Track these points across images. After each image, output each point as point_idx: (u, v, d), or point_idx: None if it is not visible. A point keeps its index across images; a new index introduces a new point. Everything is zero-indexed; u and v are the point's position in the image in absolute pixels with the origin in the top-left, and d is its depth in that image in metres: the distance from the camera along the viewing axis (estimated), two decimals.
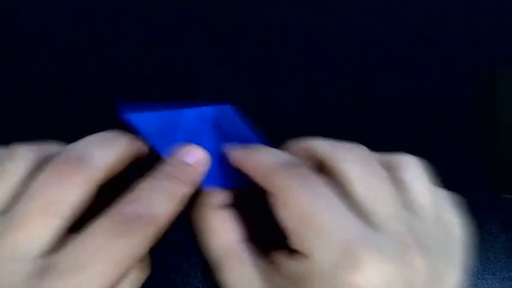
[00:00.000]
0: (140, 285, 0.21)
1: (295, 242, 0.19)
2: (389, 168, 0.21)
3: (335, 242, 0.17)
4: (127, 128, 0.27)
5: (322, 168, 0.21)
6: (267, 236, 0.22)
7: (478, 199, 0.29)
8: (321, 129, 0.30)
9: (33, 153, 0.20)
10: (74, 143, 0.20)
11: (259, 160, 0.21)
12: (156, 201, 0.19)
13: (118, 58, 0.31)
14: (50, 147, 0.21)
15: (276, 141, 0.30)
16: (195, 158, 0.22)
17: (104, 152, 0.20)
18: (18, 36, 0.31)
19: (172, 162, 0.21)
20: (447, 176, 0.30)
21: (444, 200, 0.23)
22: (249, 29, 0.31)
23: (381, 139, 0.30)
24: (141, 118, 0.24)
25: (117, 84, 0.31)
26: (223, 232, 0.22)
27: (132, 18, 0.31)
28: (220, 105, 0.25)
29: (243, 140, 0.24)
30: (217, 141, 0.24)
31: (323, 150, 0.21)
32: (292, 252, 0.19)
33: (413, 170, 0.21)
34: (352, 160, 0.20)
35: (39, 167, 0.19)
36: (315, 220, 0.18)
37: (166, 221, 0.19)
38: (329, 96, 0.30)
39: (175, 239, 0.28)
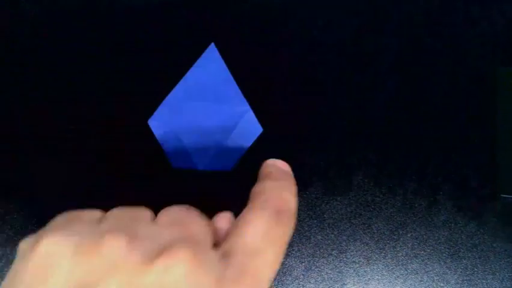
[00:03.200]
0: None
1: None
2: None
3: None
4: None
5: None
6: None
7: (478, 199, 0.29)
8: (321, 129, 0.30)
9: None
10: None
11: None
12: (287, 197, 0.21)
13: (116, 57, 0.31)
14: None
15: (276, 140, 0.30)
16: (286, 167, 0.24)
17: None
18: (19, 34, 0.31)
19: (278, 167, 0.23)
20: (447, 176, 0.30)
21: None
22: (248, 28, 0.31)
23: (381, 139, 0.30)
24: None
25: (115, 83, 0.31)
26: None
27: (132, 17, 0.31)
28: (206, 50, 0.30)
29: (222, 82, 0.30)
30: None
31: None
32: None
33: None
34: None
35: None
36: None
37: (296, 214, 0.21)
38: (329, 96, 0.30)
39: None
